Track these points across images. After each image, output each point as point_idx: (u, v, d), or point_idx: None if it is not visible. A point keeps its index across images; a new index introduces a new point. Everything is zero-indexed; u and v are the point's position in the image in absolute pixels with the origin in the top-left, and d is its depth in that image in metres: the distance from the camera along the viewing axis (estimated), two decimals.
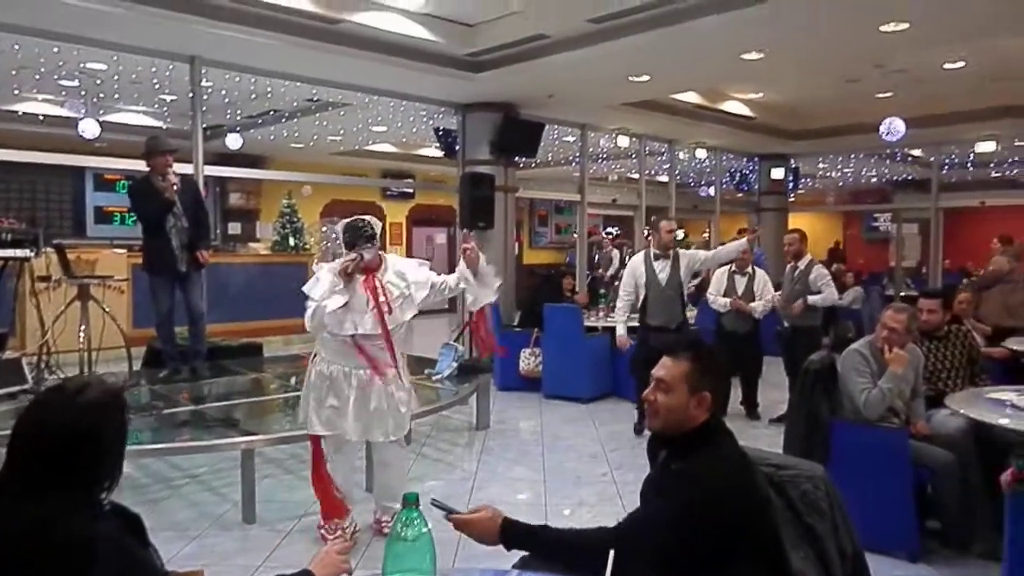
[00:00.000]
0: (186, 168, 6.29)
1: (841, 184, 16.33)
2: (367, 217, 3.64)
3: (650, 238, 7.16)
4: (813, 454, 3.50)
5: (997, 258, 8.00)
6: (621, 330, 5.95)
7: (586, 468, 5.03)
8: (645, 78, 7.55)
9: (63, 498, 1.36)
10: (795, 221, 13.89)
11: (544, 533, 1.84)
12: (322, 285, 3.50)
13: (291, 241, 12.23)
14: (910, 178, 14.76)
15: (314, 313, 3.46)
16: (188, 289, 5.72)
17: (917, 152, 12.68)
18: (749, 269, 6.51)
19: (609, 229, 17.50)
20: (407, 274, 3.69)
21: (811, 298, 6.07)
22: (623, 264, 12.03)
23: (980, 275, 8.32)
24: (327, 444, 3.66)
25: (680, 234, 14.75)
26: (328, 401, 3.59)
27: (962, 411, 3.53)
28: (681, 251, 5.90)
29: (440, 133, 9.41)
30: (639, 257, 5.97)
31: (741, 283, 6.48)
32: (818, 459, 3.41)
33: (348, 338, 3.53)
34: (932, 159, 11.63)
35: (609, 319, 7.64)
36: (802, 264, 6.24)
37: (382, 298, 3.53)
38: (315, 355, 3.70)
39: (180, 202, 5.55)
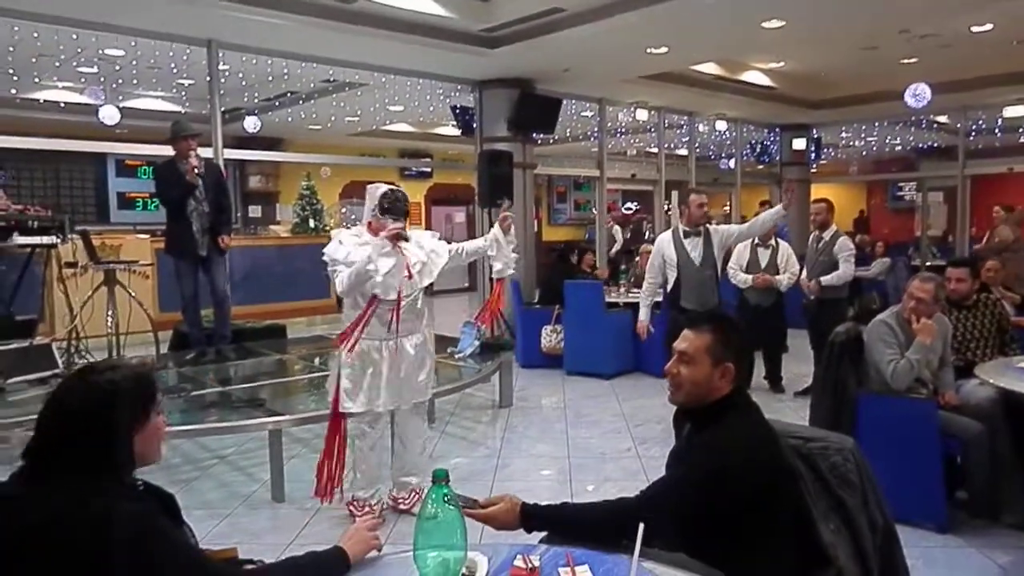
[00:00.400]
0: (206, 152, 6.33)
1: (864, 153, 16.06)
2: (402, 191, 3.65)
3: (671, 213, 7.06)
4: (840, 426, 3.48)
5: (1002, 227, 7.89)
6: (644, 315, 5.44)
7: (610, 444, 5.04)
8: (663, 50, 7.45)
9: (90, 479, 1.38)
10: (818, 192, 13.69)
11: (564, 511, 1.84)
12: (345, 248, 3.48)
13: (311, 223, 12.30)
14: (935, 145, 14.48)
15: (355, 276, 3.41)
16: (211, 272, 5.79)
17: (943, 119, 12.42)
18: (772, 241, 6.40)
19: (628, 204, 17.40)
20: (425, 243, 3.71)
21: (824, 279, 5.96)
22: (628, 241, 11.96)
23: (983, 244, 8.21)
24: (362, 421, 3.67)
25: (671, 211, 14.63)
26: (365, 377, 3.60)
27: (991, 381, 3.49)
28: (711, 227, 5.34)
29: (457, 111, 9.37)
30: (666, 236, 5.42)
31: (764, 256, 6.37)
32: (845, 432, 3.41)
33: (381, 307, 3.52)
34: (958, 125, 11.39)
35: (631, 295, 7.62)
36: (827, 235, 6.12)
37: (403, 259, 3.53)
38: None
39: (202, 186, 5.60)
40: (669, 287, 5.28)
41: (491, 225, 3.94)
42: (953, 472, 3.60)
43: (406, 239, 3.53)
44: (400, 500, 3.83)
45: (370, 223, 3.57)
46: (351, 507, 3.74)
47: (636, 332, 5.60)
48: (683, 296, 5.17)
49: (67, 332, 5.65)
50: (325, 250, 3.57)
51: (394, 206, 3.51)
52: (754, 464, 1.74)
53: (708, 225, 5.32)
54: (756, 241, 6.39)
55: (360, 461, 3.75)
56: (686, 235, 5.27)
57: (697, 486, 1.74)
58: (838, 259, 5.99)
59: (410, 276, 3.54)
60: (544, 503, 1.85)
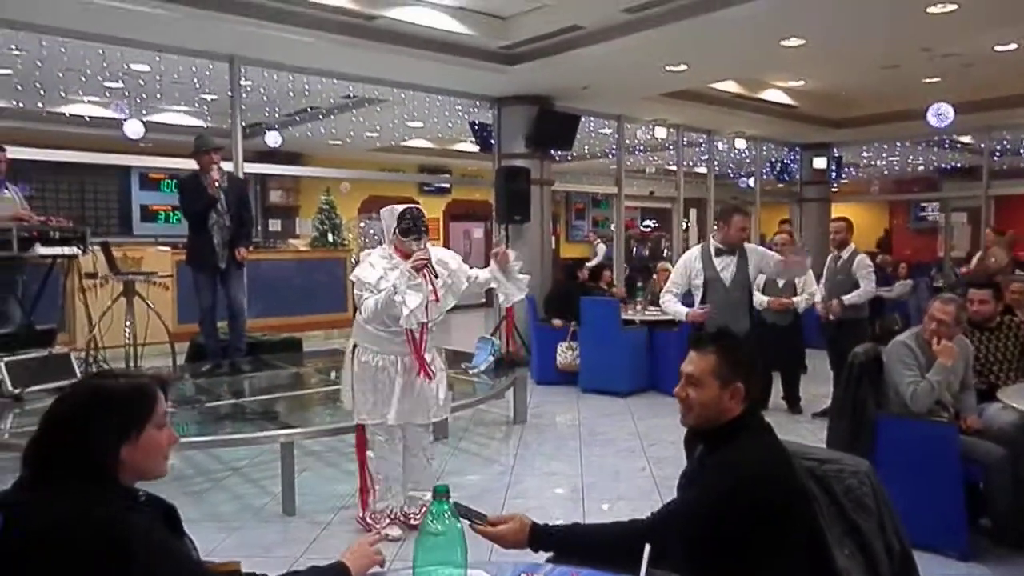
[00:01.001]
0: (227, 166, 6.39)
1: (886, 173, 15.91)
2: (418, 207, 3.68)
3: (690, 230, 6.98)
4: (858, 449, 3.42)
5: (996, 250, 7.78)
6: (682, 309, 4.86)
7: (624, 463, 4.98)
8: (682, 68, 7.44)
9: (91, 488, 1.37)
10: (839, 211, 13.57)
11: (574, 532, 1.81)
12: (376, 272, 3.49)
13: (330, 237, 12.38)
14: (959, 166, 14.32)
15: (382, 306, 3.42)
16: (229, 285, 5.83)
17: (966, 139, 12.29)
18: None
19: (647, 222, 17.36)
20: (448, 263, 3.71)
21: (846, 298, 5.87)
22: (646, 258, 11.90)
23: (974, 267, 8.09)
24: (378, 432, 3.68)
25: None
26: (376, 390, 3.61)
27: (1015, 405, 3.41)
28: (748, 246, 4.94)
29: (476, 127, 9.41)
30: (695, 251, 5.03)
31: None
32: (863, 454, 3.34)
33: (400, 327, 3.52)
34: (982, 145, 11.26)
35: (647, 312, 7.57)
36: (845, 254, 6.06)
37: (429, 287, 3.53)
38: (355, 347, 3.69)
39: (225, 200, 5.66)
40: (695, 307, 4.86)
41: (507, 241, 3.95)
42: (976, 498, 3.51)
43: (433, 270, 3.54)
44: (412, 515, 3.80)
45: (395, 244, 3.58)
46: (364, 521, 3.72)
47: (694, 320, 4.80)
48: (708, 319, 4.69)
49: (86, 342, 5.70)
50: (356, 273, 3.56)
51: (414, 226, 3.53)
52: (766, 485, 1.71)
53: (747, 244, 4.99)
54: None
55: (376, 474, 3.73)
56: (718, 252, 4.83)
57: (709, 507, 1.71)
58: (857, 278, 5.91)
59: (436, 299, 3.56)
60: (555, 523, 1.82)
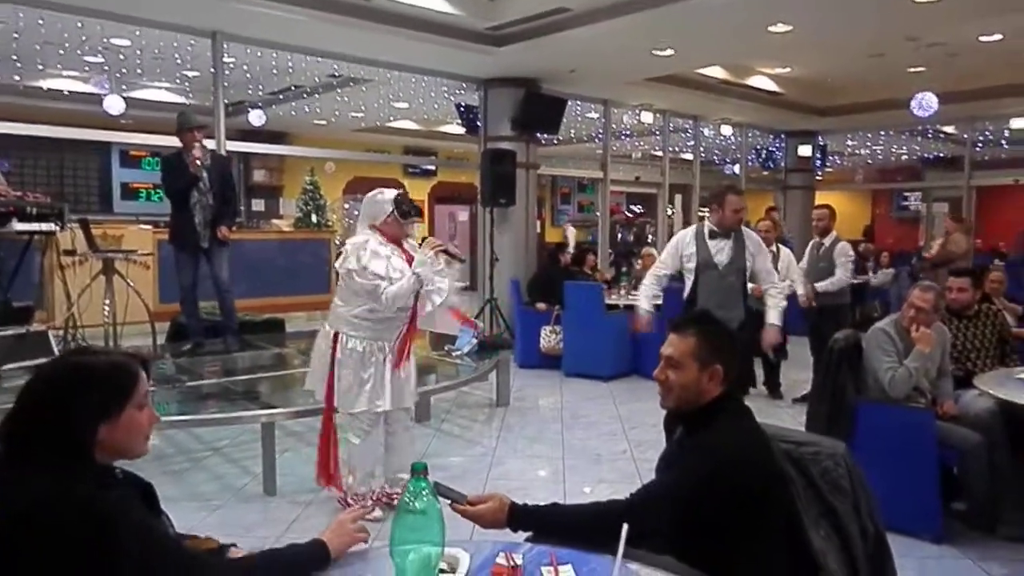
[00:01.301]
0: (210, 144, 6.31)
1: (870, 162, 16.01)
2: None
3: (675, 216, 6.98)
4: (836, 434, 3.45)
5: (957, 236, 7.89)
6: (645, 305, 4.64)
7: (606, 446, 5.01)
8: (669, 52, 7.42)
9: (69, 465, 1.35)
10: (823, 199, 13.63)
11: (553, 512, 1.82)
12: (383, 262, 3.46)
13: (313, 218, 12.29)
14: (941, 156, 14.43)
15: (406, 293, 3.44)
16: (214, 263, 5.78)
17: (949, 129, 12.38)
18: (774, 247, 6.37)
19: (632, 207, 17.38)
20: (415, 246, 3.70)
21: (819, 285, 5.97)
22: (631, 243, 11.93)
23: (934, 253, 8.21)
24: (361, 420, 3.64)
25: (704, 212, 14.62)
26: (367, 377, 3.58)
27: (991, 391, 3.47)
28: (745, 230, 4.63)
29: (462, 109, 9.35)
30: (688, 232, 4.68)
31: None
32: (841, 439, 3.38)
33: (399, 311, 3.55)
34: (965, 136, 11.35)
35: (631, 297, 7.58)
36: (827, 241, 6.14)
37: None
38: (336, 334, 3.61)
39: (208, 179, 5.60)
40: (685, 292, 4.59)
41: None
42: (950, 483, 3.56)
43: (460, 258, 3.64)
44: (394, 495, 3.81)
45: (382, 229, 3.55)
46: (347, 502, 3.71)
47: (634, 328, 4.85)
48: (700, 303, 4.38)
49: (64, 320, 5.63)
50: (364, 263, 3.43)
51: (412, 208, 3.60)
52: (745, 467, 1.72)
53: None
54: None
55: (358, 461, 3.71)
56: (712, 235, 4.50)
57: (688, 489, 1.72)
58: (836, 265, 5.98)
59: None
60: (534, 503, 1.83)
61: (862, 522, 1.86)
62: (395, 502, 3.71)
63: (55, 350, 5.16)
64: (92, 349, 1.52)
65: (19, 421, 1.40)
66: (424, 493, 1.36)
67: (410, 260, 3.55)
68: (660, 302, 4.87)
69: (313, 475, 3.89)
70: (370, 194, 3.64)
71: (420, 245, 3.60)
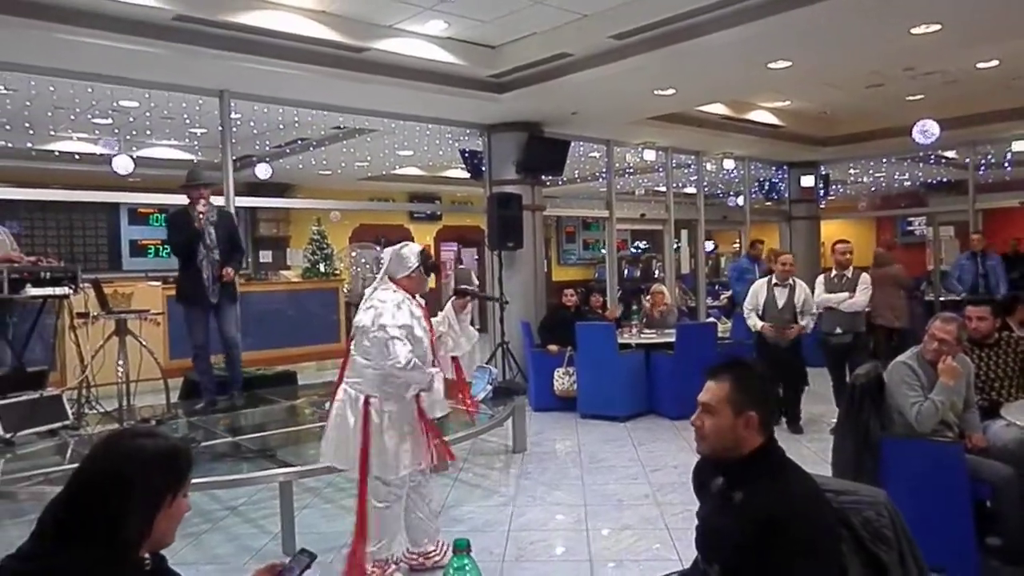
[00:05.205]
0: (218, 200, 6.37)
1: (873, 189, 16.04)
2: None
3: (680, 251, 7.32)
4: (863, 471, 3.39)
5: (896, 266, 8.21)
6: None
7: (627, 490, 4.93)
8: (670, 92, 7.50)
9: (106, 554, 1.31)
10: (827, 228, 13.66)
11: None
12: (405, 315, 3.43)
13: (321, 267, 12.33)
14: (945, 180, 14.45)
15: (412, 367, 3.34)
16: (222, 318, 5.80)
17: (951, 153, 12.41)
18: (790, 280, 6.43)
19: (637, 244, 17.40)
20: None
21: (845, 304, 6.18)
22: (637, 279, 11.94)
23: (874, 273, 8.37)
24: (398, 484, 3.51)
25: (709, 246, 14.60)
26: (407, 437, 3.47)
27: (1019, 422, 3.40)
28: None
29: (466, 155, 9.43)
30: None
31: (782, 295, 6.39)
32: (869, 476, 3.32)
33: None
34: (967, 160, 11.37)
35: (643, 335, 7.55)
36: (849, 272, 6.34)
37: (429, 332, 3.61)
38: (367, 400, 3.42)
39: (214, 234, 5.64)
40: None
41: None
42: (984, 517, 3.48)
43: (486, 296, 3.88)
44: (432, 554, 3.75)
45: (401, 282, 3.53)
46: (373, 569, 3.55)
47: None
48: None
49: (78, 382, 5.62)
50: (390, 321, 3.33)
51: (434, 264, 3.68)
52: (808, 520, 1.70)
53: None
54: (774, 280, 6.43)
55: (388, 526, 3.56)
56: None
57: (752, 538, 1.67)
58: (858, 292, 6.23)
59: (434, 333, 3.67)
60: None
61: (907, 571, 1.81)
62: (430, 561, 3.69)
63: (69, 414, 5.15)
64: (141, 431, 1.48)
65: (72, 508, 1.35)
66: (467, 569, 1.33)
67: (425, 312, 3.56)
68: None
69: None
70: (394, 248, 3.61)
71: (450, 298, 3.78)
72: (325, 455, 3.61)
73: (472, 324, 3.87)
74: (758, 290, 6.51)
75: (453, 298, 3.79)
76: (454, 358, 3.81)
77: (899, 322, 7.72)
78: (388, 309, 3.36)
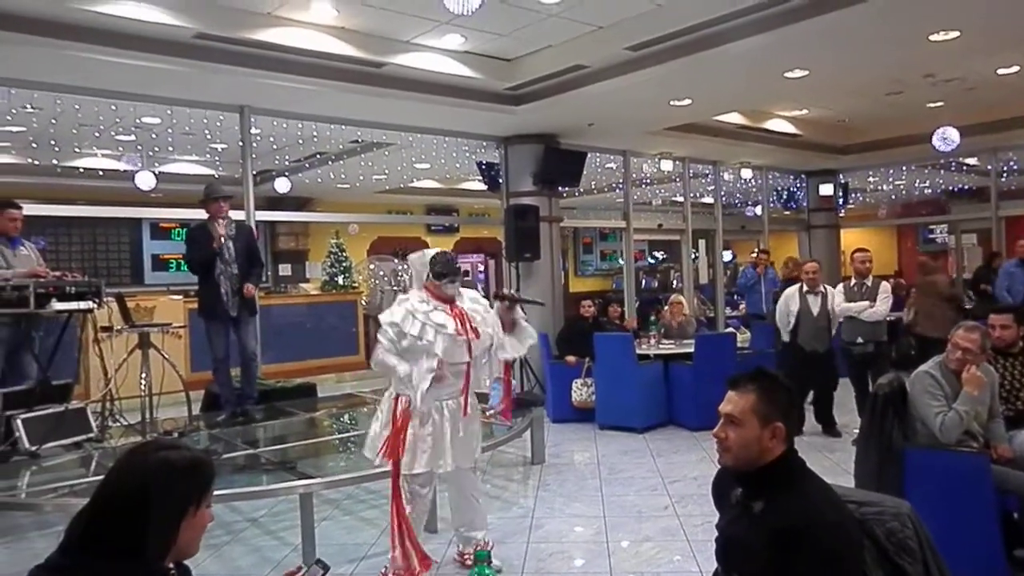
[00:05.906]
0: (238, 214, 6.45)
1: (893, 197, 15.89)
2: (449, 252, 3.71)
3: (699, 262, 7.32)
4: (886, 482, 3.35)
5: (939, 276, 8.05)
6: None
7: (646, 501, 4.90)
8: (687, 102, 7.50)
9: (124, 562, 1.33)
10: (847, 237, 13.55)
11: None
12: (413, 323, 3.46)
13: (340, 280, 12.41)
14: (966, 187, 14.29)
15: (391, 371, 3.46)
16: (241, 332, 5.86)
17: (972, 160, 12.28)
18: (821, 288, 6.46)
19: (655, 254, 17.36)
20: (479, 300, 3.73)
21: (867, 312, 6.13)
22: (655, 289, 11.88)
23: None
24: (415, 481, 3.56)
25: (727, 255, 14.54)
26: (426, 437, 3.52)
27: None
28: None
29: (483, 167, 9.48)
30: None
31: (815, 303, 6.45)
32: (892, 487, 3.27)
33: (448, 370, 3.50)
34: (989, 167, 11.24)
35: (661, 346, 7.52)
36: (869, 281, 6.32)
37: (461, 330, 3.54)
38: (394, 395, 3.54)
39: (232, 249, 5.70)
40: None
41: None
42: (1011, 529, 3.43)
43: (523, 300, 3.86)
44: (467, 556, 3.80)
45: (428, 288, 3.58)
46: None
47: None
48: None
49: (102, 395, 5.70)
50: (385, 318, 3.48)
51: (447, 268, 3.55)
52: (832, 529, 1.68)
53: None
54: (805, 288, 6.45)
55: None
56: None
57: (776, 550, 1.66)
58: (879, 301, 6.22)
59: (478, 336, 3.58)
60: None
61: None
62: (467, 561, 3.71)
63: (93, 427, 5.21)
64: (165, 443, 1.50)
65: (98, 520, 1.37)
66: None
67: (459, 316, 3.53)
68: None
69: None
70: (415, 255, 3.68)
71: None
72: (365, 447, 3.74)
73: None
74: (789, 300, 6.54)
75: (497, 303, 3.81)
76: (505, 362, 3.88)
77: (936, 332, 7.33)
78: (393, 307, 3.50)
